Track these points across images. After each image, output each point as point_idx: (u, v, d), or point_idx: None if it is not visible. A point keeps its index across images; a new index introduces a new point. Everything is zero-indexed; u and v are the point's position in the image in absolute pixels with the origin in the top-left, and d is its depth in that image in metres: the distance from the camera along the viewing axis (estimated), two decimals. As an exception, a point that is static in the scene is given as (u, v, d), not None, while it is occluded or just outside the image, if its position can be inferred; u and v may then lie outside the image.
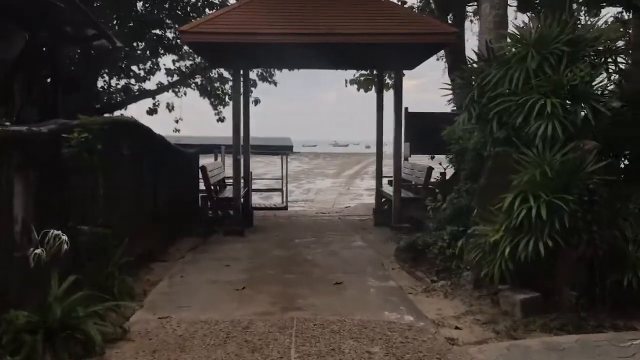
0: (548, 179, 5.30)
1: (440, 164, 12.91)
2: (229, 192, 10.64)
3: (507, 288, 5.71)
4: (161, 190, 9.14)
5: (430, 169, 10.48)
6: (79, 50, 14.05)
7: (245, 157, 11.94)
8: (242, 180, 11.30)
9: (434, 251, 6.99)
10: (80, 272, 5.15)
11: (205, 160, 13.83)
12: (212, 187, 10.99)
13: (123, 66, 16.84)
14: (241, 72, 11.36)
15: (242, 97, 11.10)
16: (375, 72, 15.66)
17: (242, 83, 11.23)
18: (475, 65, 7.06)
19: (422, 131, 12.85)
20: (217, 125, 18.61)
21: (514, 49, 6.41)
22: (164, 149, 9.57)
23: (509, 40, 6.68)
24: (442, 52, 17.83)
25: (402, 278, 7.05)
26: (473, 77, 6.81)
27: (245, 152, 11.97)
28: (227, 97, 18.16)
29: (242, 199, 11.66)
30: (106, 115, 18.98)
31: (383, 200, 11.90)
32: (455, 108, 8.46)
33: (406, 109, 14.24)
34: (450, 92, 7.83)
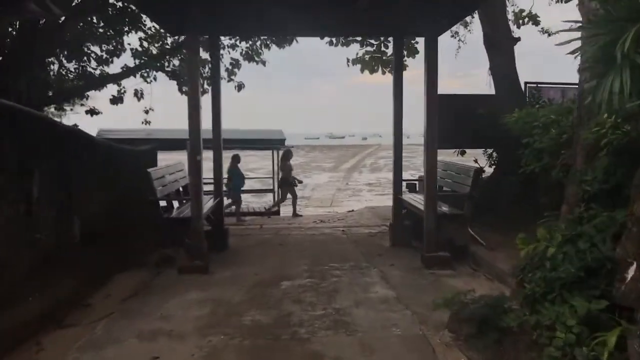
0: None
1: (475, 160, 9.38)
2: (189, 209, 6.97)
3: None
4: (82, 208, 5.62)
5: (479, 172, 6.86)
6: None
7: (216, 155, 8.34)
8: (207, 189, 7.73)
9: (541, 341, 3.42)
10: None
11: (174, 159, 10.24)
12: (168, 200, 7.41)
13: (80, 47, 13.18)
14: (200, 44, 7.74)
15: (207, 78, 7.47)
16: (388, 45, 12.06)
17: (206, 60, 7.59)
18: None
19: (450, 119, 9.29)
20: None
21: None
22: (82, 149, 6.01)
23: None
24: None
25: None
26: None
27: (216, 150, 8.37)
28: (205, 82, 14.52)
29: (211, 214, 8.11)
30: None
31: (404, 211, 8.34)
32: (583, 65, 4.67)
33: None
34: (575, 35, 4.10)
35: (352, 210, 14.81)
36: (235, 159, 14.20)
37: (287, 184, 14.87)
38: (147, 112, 15.24)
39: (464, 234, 6.85)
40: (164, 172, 7.43)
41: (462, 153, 9.82)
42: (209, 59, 13.92)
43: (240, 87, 14.42)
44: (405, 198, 8.20)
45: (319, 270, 6.68)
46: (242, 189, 13.69)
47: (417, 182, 9.90)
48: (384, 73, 13.06)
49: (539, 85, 9.49)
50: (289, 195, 14.86)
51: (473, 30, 14.44)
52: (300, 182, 16.14)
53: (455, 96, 9.55)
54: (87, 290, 5.94)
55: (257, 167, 38.18)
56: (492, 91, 9.66)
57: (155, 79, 14.75)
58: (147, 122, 15.42)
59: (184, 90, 13.56)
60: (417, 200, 7.94)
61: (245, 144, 15.12)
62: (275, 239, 9.32)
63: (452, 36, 14.80)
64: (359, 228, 10.56)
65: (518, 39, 9.60)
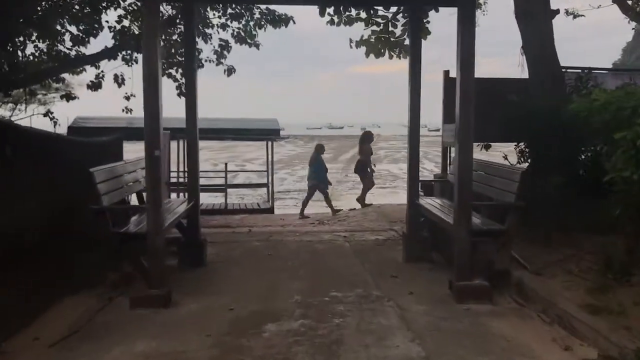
0: None
1: (505, 157, 7.65)
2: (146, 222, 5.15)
3: None
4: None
5: (525, 176, 5.07)
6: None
7: (190, 148, 6.59)
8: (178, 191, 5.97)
9: None
10: None
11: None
12: (124, 208, 5.67)
13: (52, 25, 11.37)
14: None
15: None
16: (396, 23, 10.28)
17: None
18: None
19: (475, 107, 7.57)
20: (180, 102, 13.21)
21: None
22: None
23: None
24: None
25: None
26: None
27: (191, 141, 6.60)
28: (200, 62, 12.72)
29: (185, 221, 6.39)
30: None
31: (422, 220, 6.61)
32: None
33: (446, 72, 8.89)
34: None
35: (354, 209, 13.09)
36: (319, 149, 12.91)
37: (364, 169, 13.29)
38: (128, 98, 13.35)
39: (504, 256, 5.14)
40: (121, 171, 5.65)
41: (487, 147, 8.09)
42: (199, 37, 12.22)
43: (230, 71, 12.61)
44: (424, 204, 6.45)
45: (316, 305, 4.94)
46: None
47: (433, 183, 8.14)
48: (391, 57, 11.25)
49: (588, 70, 7.78)
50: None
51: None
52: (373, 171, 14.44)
53: (480, 80, 7.78)
54: (3, 331, 4.24)
55: (253, 157, 36.45)
56: (525, 74, 7.90)
57: (136, 61, 12.94)
58: (128, 110, 13.55)
59: (166, 72, 11.79)
60: (439, 207, 6.21)
61: (236, 134, 13.38)
62: (264, 248, 7.60)
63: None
64: (363, 233, 8.84)
65: (557, 12, 7.82)
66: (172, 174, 11.86)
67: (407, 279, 5.86)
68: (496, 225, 5.18)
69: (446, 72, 8.53)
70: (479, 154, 7.89)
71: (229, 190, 15.00)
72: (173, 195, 10.76)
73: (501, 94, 7.68)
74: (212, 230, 9.39)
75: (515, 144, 7.64)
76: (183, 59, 12.54)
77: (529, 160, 7.65)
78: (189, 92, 6.63)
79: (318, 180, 12.84)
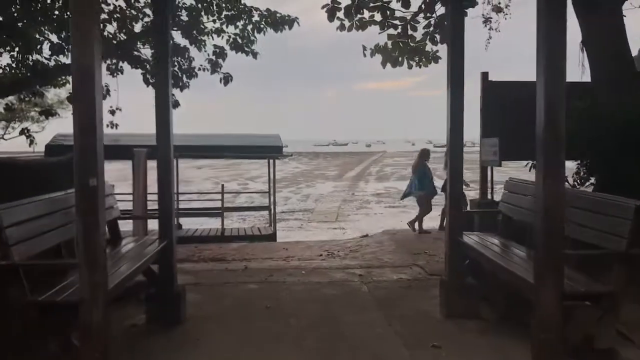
0: None
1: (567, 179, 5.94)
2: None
3: None
4: None
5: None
6: None
7: (161, 171, 4.91)
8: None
9: None
10: None
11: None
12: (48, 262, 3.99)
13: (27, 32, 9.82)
14: None
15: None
16: (416, 26, 8.66)
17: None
18: None
19: (516, 117, 5.95)
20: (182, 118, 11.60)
21: None
22: None
23: None
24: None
25: None
26: None
27: (163, 163, 4.93)
28: (184, 76, 11.15)
29: (156, 266, 4.72)
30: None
31: (467, 262, 4.89)
32: None
33: (485, 74, 7.23)
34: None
35: (367, 236, 11.36)
36: (423, 155, 11.14)
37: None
38: (113, 112, 11.74)
39: (609, 328, 3.41)
40: (51, 206, 3.95)
41: (531, 167, 6.42)
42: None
43: (227, 79, 10.97)
44: (475, 246, 4.71)
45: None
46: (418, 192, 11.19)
47: (474, 212, 6.43)
48: (410, 67, 9.60)
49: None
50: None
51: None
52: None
53: (526, 84, 6.13)
54: None
55: (256, 175, 34.78)
56: (586, 76, 6.24)
57: (122, 71, 11.34)
58: (114, 125, 11.91)
59: (151, 80, 10.18)
60: (500, 252, 4.50)
61: (235, 151, 11.72)
62: (262, 295, 5.88)
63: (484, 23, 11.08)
64: (382, 270, 7.13)
65: (626, -3, 6.18)
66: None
67: (456, 350, 4.13)
68: (597, 285, 3.45)
69: (484, 75, 6.90)
70: (520, 173, 6.23)
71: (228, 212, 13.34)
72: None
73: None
74: (202, 267, 7.73)
75: (579, 162, 5.96)
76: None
77: (594, 183, 5.98)
78: (161, 103, 4.99)
79: (423, 190, 11.01)
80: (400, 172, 41.72)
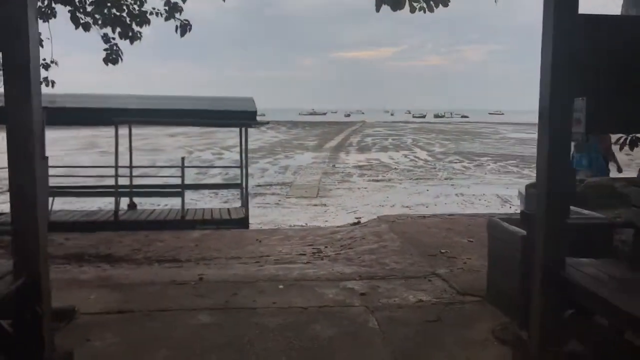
0: None
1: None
2: None
3: None
4: None
5: None
6: None
7: (17, 144, 2.53)
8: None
9: None
10: None
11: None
12: None
13: None
14: None
15: None
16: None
17: None
18: None
19: (622, 71, 3.66)
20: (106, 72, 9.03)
21: None
22: None
23: None
24: None
25: None
26: None
27: (22, 133, 2.56)
28: (133, 22, 8.58)
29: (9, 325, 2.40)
30: None
31: (572, 313, 2.69)
32: None
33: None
34: None
35: (359, 222, 9.15)
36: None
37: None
38: (46, 67, 9.15)
39: None
40: None
41: (636, 144, 4.20)
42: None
43: (184, 28, 8.47)
44: (589, 283, 2.51)
45: None
46: None
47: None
48: (412, 10, 7.28)
49: None
50: None
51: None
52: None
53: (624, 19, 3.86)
54: None
55: (232, 144, 32.12)
56: None
57: (55, 14, 8.74)
58: (50, 83, 9.35)
59: (82, 20, 7.64)
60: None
61: (196, 117, 9.29)
62: (216, 339, 3.62)
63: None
64: (390, 285, 4.91)
65: None
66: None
67: None
68: None
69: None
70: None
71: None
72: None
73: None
74: (140, 275, 5.45)
75: None
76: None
77: None
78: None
79: (595, 171, 7.68)
80: (381, 142, 39.62)
